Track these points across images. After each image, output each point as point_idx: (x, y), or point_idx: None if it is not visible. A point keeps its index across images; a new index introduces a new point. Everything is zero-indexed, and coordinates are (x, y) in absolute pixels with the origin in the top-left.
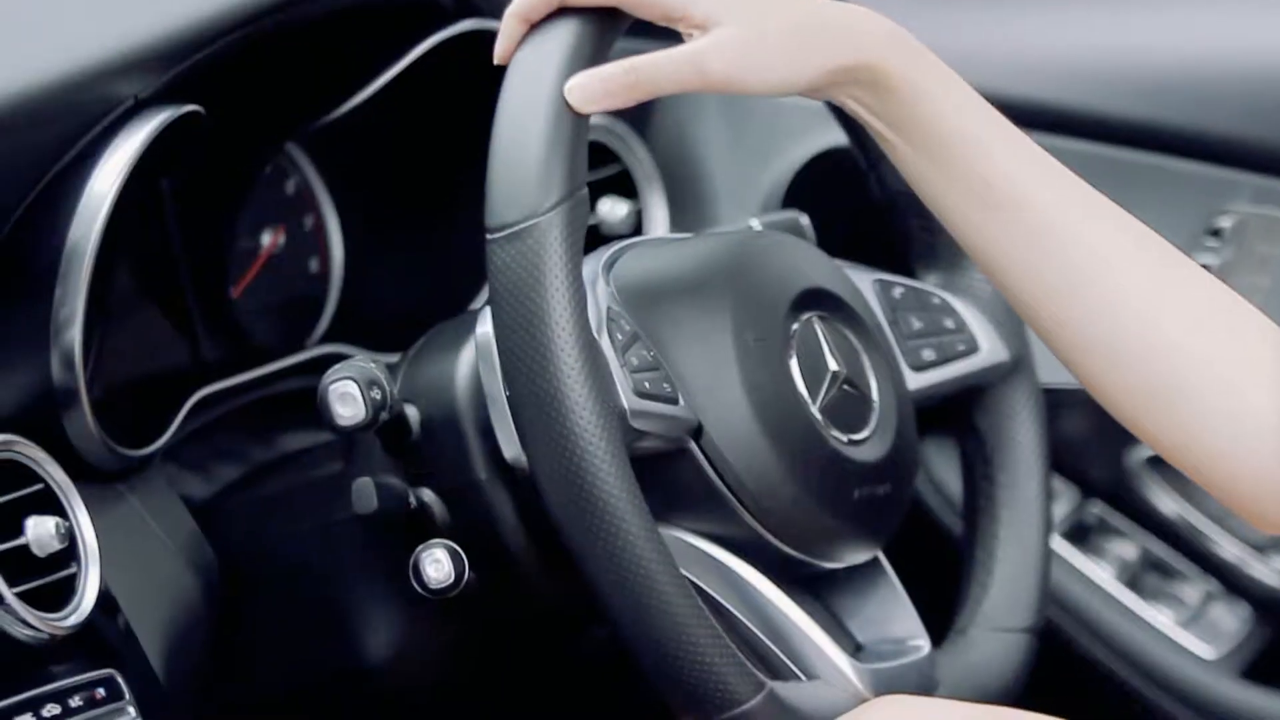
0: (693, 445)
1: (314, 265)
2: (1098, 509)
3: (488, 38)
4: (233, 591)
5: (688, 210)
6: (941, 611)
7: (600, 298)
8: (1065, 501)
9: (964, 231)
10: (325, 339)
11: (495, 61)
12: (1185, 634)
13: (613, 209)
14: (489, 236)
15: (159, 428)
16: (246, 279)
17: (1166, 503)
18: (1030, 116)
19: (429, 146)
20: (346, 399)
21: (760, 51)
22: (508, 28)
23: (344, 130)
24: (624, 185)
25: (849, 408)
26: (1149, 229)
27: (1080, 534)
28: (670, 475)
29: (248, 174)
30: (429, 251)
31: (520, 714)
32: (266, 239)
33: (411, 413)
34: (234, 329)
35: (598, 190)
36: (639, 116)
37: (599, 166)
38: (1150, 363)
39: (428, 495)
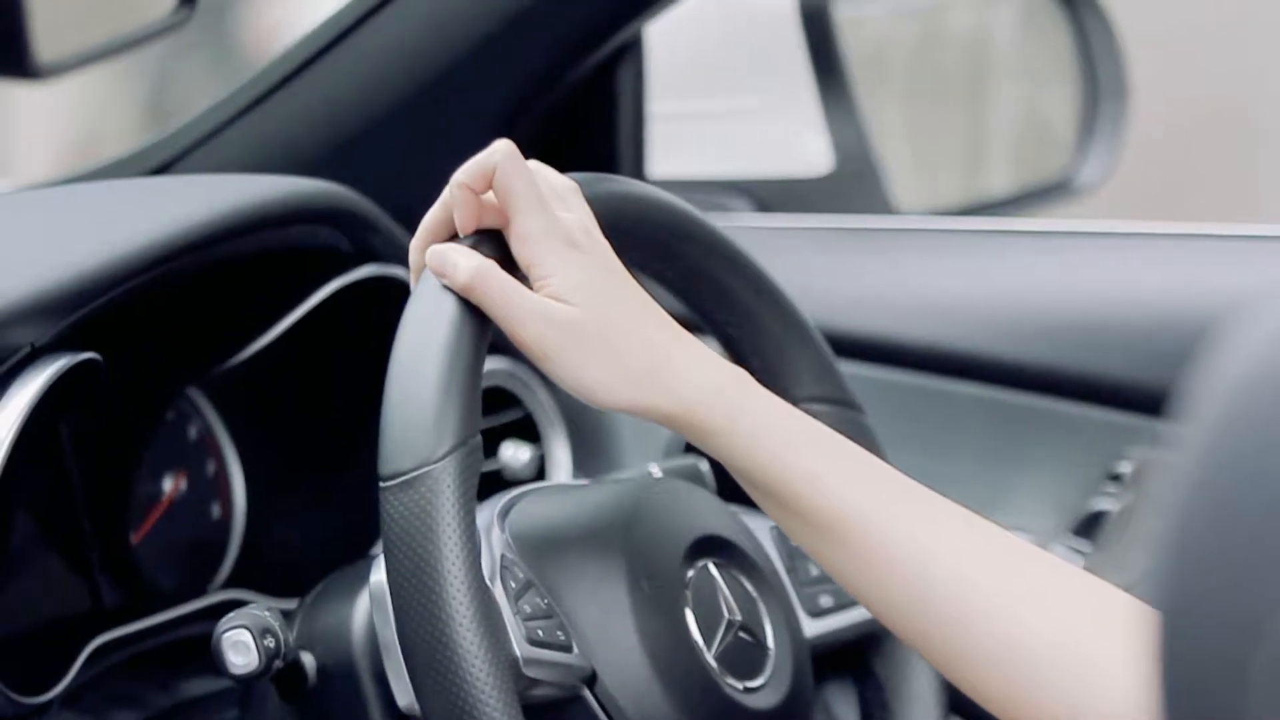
0: (586, 693)
1: (216, 511)
2: None
3: (388, 283)
4: None
5: (591, 454)
6: None
7: (495, 545)
8: None
9: (806, 550)
10: (227, 584)
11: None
12: None
13: (515, 454)
14: (382, 484)
15: (56, 674)
16: (147, 525)
17: None
18: (932, 361)
19: (332, 392)
20: (239, 647)
21: (582, 353)
22: (414, 262)
23: (247, 376)
24: (526, 430)
25: (744, 655)
26: (996, 527)
27: None
28: None
29: (148, 419)
30: (333, 497)
31: None
32: (168, 485)
33: (308, 660)
34: (134, 574)
35: (500, 435)
36: None
37: (501, 411)
38: (1011, 661)
39: None
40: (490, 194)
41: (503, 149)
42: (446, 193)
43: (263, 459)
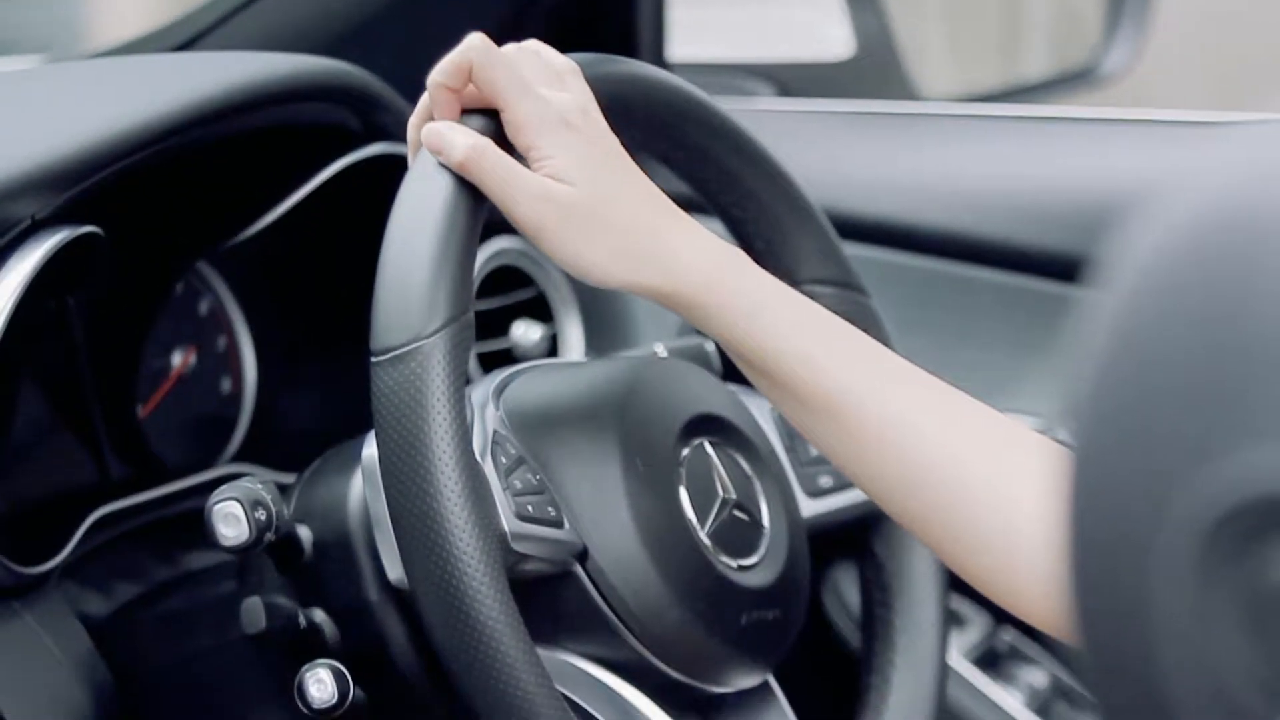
0: (578, 569)
1: (226, 386)
2: (1009, 636)
3: (398, 161)
4: (127, 711)
5: (603, 334)
6: None
7: (488, 421)
8: (976, 628)
9: (801, 430)
10: (236, 459)
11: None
12: None
13: (527, 333)
14: (373, 360)
15: (58, 544)
16: (156, 398)
17: None
18: (947, 245)
19: (342, 268)
20: (230, 519)
21: (578, 231)
22: (411, 140)
23: (257, 252)
24: (539, 309)
25: (738, 533)
26: (992, 411)
27: (990, 660)
28: (555, 598)
29: (157, 294)
30: (342, 373)
31: None
32: (177, 359)
33: (304, 533)
34: (141, 448)
35: (512, 314)
36: None
37: (514, 290)
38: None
39: (319, 616)
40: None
41: (475, 43)
42: (426, 94)
43: (274, 334)
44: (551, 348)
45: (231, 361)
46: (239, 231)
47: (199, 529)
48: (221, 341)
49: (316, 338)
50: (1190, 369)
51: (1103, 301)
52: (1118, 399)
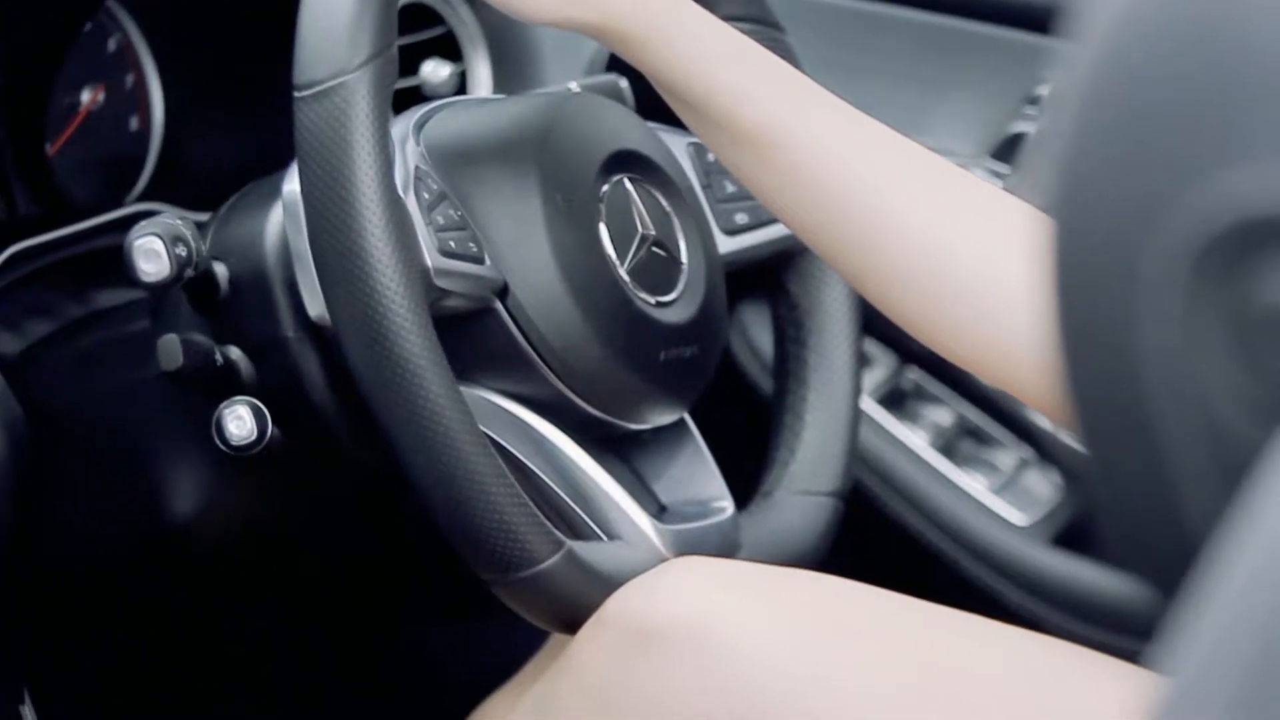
0: (498, 305)
1: (134, 123)
2: (914, 375)
3: None
4: (40, 448)
5: (512, 72)
6: (749, 475)
7: (409, 157)
8: (882, 367)
9: (728, 166)
10: (144, 197)
11: None
12: (997, 500)
13: (435, 71)
14: (296, 94)
15: None
16: (64, 136)
17: None
18: None
19: (254, 5)
20: (151, 255)
21: None
22: None
23: None
24: (448, 47)
25: (657, 270)
26: (920, 147)
27: (896, 400)
28: (476, 334)
29: (66, 31)
30: (251, 111)
31: (336, 573)
32: (86, 96)
33: (220, 270)
34: (50, 185)
35: (421, 52)
36: None
37: (423, 28)
38: (929, 280)
39: (235, 353)
40: None
41: None
42: None
43: (183, 72)
44: (460, 86)
45: (140, 99)
46: None
47: (110, 267)
48: (130, 79)
49: (226, 75)
50: (1179, 88)
51: (1090, 21)
52: (1104, 119)
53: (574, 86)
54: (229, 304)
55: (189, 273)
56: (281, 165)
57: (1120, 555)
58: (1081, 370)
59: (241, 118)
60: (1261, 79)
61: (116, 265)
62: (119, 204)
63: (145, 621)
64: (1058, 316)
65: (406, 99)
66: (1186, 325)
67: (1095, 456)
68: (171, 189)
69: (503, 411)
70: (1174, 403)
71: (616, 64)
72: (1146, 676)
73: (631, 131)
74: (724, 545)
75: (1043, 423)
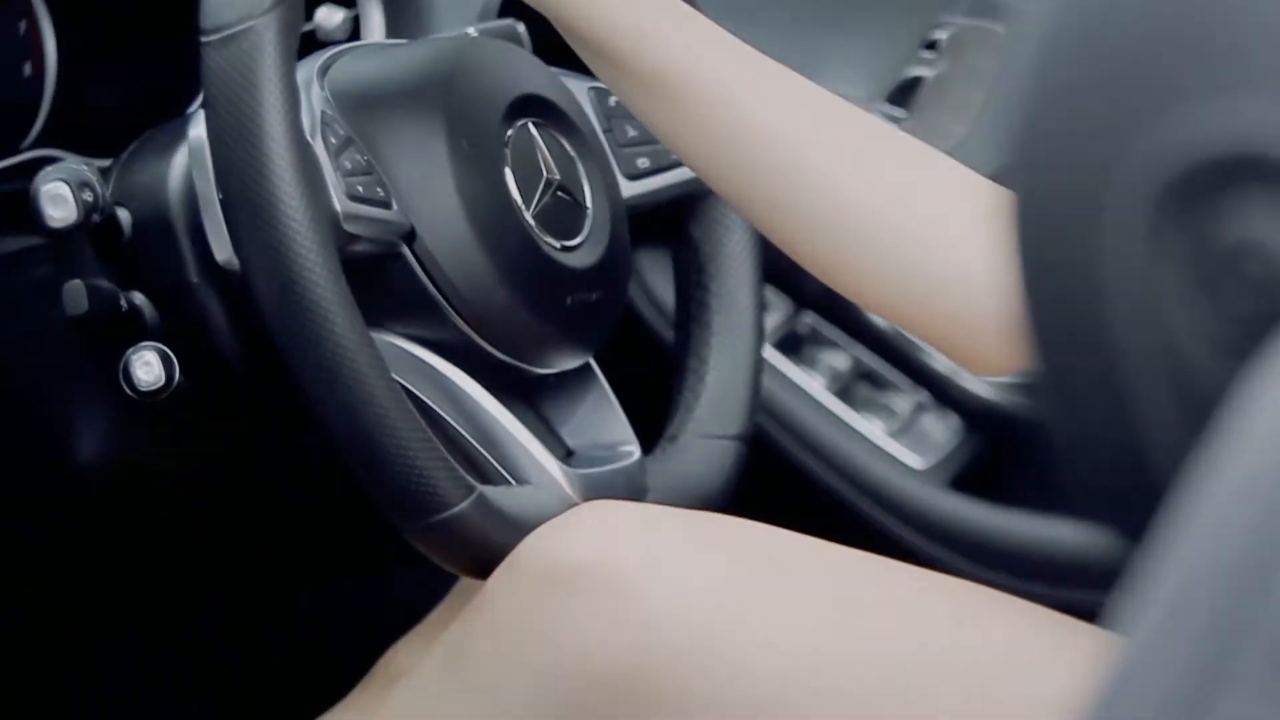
0: (405, 249)
1: (27, 69)
2: (810, 319)
3: None
4: None
5: (405, 18)
6: (654, 420)
7: (314, 102)
8: (778, 312)
9: (633, 109)
10: (38, 144)
11: None
12: (895, 444)
13: (329, 15)
14: (203, 39)
15: None
16: None
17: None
18: None
19: None
20: (58, 200)
21: None
22: None
23: None
24: None
25: (562, 214)
26: (831, 95)
27: (792, 344)
28: (383, 279)
29: None
30: (148, 56)
31: (242, 517)
32: None
33: (124, 215)
34: None
35: None
36: None
37: None
38: (837, 225)
39: (139, 298)
40: None
41: None
42: None
43: (77, 16)
44: (355, 31)
45: (33, 45)
46: None
47: (8, 214)
48: (22, 25)
49: (122, 19)
50: (1135, 31)
51: None
52: (1062, 63)
53: (471, 32)
54: (133, 249)
55: (94, 218)
56: (178, 109)
57: (1083, 502)
58: (1042, 301)
59: (138, 62)
60: (1215, 19)
61: (15, 212)
62: (14, 151)
63: (50, 567)
64: (1020, 262)
65: (302, 46)
66: (1150, 260)
67: (1056, 398)
68: (68, 134)
69: (410, 357)
70: (1138, 342)
71: (510, 9)
72: (1050, 616)
73: (535, 76)
74: (631, 489)
75: (940, 367)
